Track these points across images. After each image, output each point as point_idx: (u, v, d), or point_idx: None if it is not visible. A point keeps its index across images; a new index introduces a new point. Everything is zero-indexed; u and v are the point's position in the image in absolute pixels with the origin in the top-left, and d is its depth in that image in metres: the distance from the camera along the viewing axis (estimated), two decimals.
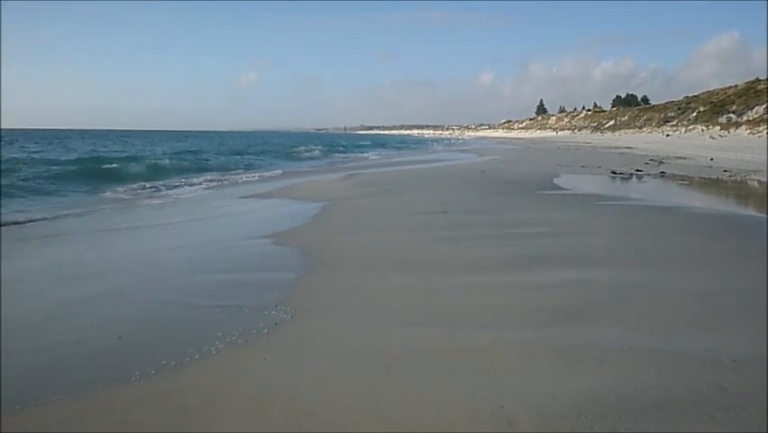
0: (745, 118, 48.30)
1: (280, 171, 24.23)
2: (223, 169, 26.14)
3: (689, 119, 59.93)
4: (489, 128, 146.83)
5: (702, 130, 52.15)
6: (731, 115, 51.09)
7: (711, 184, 16.17)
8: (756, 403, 2.90)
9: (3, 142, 45.07)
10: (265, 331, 4.26)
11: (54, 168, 21.83)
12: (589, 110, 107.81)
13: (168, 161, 28.23)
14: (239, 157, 34.78)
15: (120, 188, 16.86)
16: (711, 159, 23.99)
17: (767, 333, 3.84)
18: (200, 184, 18.86)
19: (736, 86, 59.43)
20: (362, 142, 63.50)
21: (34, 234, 9.33)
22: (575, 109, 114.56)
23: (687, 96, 69.41)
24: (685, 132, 55.59)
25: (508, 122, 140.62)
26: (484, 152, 39.48)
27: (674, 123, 63.12)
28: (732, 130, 46.77)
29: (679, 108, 67.30)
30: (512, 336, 3.96)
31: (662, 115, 69.39)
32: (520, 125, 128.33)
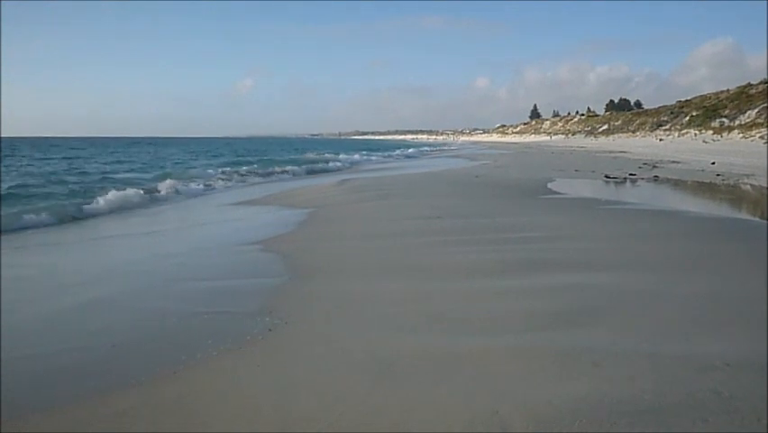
0: (737, 122, 48.59)
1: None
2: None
3: (682, 123, 60.25)
4: (484, 133, 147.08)
5: (695, 134, 52.44)
6: (724, 119, 51.39)
7: (705, 188, 16.24)
8: (750, 407, 2.91)
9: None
10: (259, 337, 4.25)
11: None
12: (582, 114, 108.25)
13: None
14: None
15: None
16: (713, 162, 23.76)
17: None
18: None
19: (728, 90, 59.81)
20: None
21: (32, 242, 9.31)
22: (569, 114, 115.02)
23: (680, 101, 69.79)
24: (678, 136, 55.88)
25: (503, 126, 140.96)
26: (478, 156, 39.58)
27: (667, 127, 63.43)
28: (725, 134, 47.04)
29: (672, 113, 67.65)
30: (507, 341, 3.96)
31: (656, 120, 69.73)
32: (514, 130, 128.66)
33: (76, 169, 27.83)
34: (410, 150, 57.04)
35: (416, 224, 9.14)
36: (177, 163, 33.96)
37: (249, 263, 7.00)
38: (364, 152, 47.22)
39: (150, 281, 6.35)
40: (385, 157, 43.98)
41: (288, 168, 27.27)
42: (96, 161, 35.52)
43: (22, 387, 3.56)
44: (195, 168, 27.81)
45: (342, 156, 39.60)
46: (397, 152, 53.81)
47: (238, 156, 44.19)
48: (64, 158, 38.88)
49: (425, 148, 66.97)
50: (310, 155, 42.64)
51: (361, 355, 3.80)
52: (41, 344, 4.35)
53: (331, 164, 32.26)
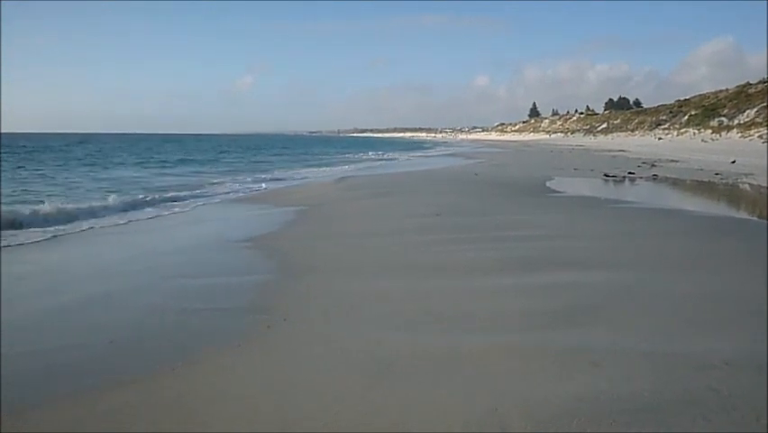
0: (736, 122, 48.57)
1: None
2: None
3: (680, 122, 60.21)
4: (483, 131, 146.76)
5: (694, 133, 52.44)
6: (722, 118, 51.37)
7: (703, 187, 16.25)
8: (749, 405, 2.91)
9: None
10: (258, 335, 4.24)
11: None
12: (581, 113, 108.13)
13: None
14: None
15: None
16: (733, 161, 23.25)
17: None
18: None
19: (727, 90, 59.78)
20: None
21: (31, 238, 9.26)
22: (568, 112, 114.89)
23: (679, 100, 69.74)
24: (677, 135, 55.87)
25: (502, 125, 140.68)
26: (477, 155, 39.56)
27: (666, 126, 63.40)
28: (723, 133, 47.04)
29: (671, 112, 67.60)
30: (506, 340, 3.96)
31: (655, 119, 69.66)
32: (513, 128, 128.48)
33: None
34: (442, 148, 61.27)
35: (414, 222, 9.13)
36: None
37: (247, 261, 6.98)
38: (405, 151, 52.28)
39: (149, 278, 6.33)
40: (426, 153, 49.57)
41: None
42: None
43: (20, 384, 3.54)
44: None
45: (394, 153, 46.07)
46: (434, 149, 57.56)
47: (298, 154, 47.87)
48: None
49: (441, 147, 67.45)
50: (363, 155, 45.90)
51: (360, 354, 3.80)
52: (39, 340, 4.33)
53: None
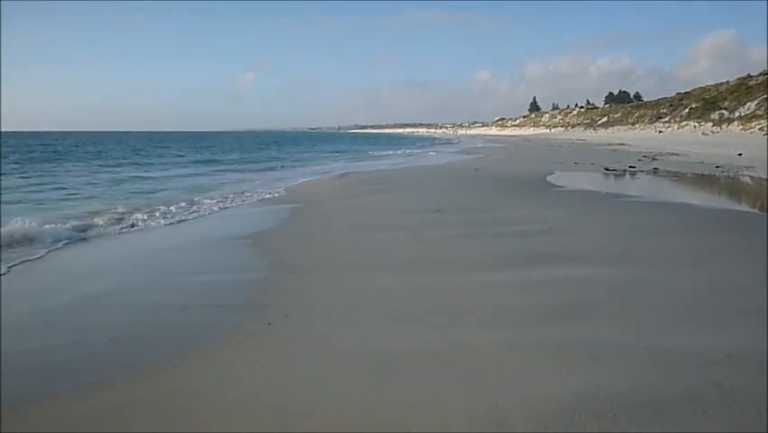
0: (737, 114, 48.49)
1: None
2: None
3: (681, 116, 60.14)
4: (483, 126, 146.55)
5: (695, 126, 52.37)
6: (723, 111, 51.29)
7: (704, 180, 16.22)
8: (750, 399, 2.90)
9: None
10: (258, 332, 4.24)
11: None
12: (582, 107, 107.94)
13: None
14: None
15: None
16: (740, 154, 23.21)
17: None
18: None
19: (727, 82, 59.65)
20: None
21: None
22: (568, 106, 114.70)
23: (679, 93, 69.58)
24: (678, 128, 55.82)
25: (502, 120, 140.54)
26: (477, 150, 39.51)
27: (667, 119, 63.33)
28: (724, 126, 46.97)
29: (671, 105, 67.52)
30: (506, 335, 3.95)
31: (655, 112, 69.59)
32: (514, 123, 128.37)
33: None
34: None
35: (415, 218, 9.12)
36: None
37: (247, 257, 6.96)
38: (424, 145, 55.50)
39: (149, 276, 6.33)
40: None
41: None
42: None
43: (20, 381, 3.54)
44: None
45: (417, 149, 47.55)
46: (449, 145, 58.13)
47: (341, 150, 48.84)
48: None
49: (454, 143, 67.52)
50: (386, 151, 46.04)
51: (360, 350, 3.79)
52: (39, 338, 4.33)
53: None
